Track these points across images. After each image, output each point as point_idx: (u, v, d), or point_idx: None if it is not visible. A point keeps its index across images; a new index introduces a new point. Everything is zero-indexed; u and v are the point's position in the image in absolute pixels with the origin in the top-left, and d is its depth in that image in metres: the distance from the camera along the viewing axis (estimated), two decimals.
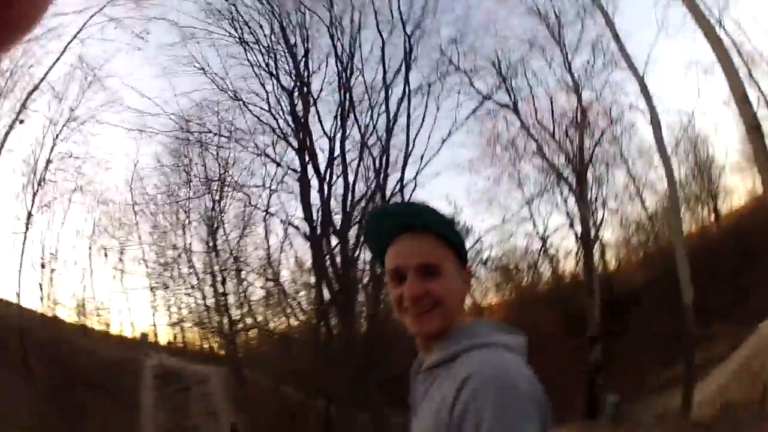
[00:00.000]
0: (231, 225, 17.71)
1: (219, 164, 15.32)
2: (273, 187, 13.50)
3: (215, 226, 16.53)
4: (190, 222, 17.83)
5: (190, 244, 18.17)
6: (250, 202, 14.44)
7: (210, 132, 13.69)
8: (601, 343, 13.02)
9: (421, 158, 12.30)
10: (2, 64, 14.98)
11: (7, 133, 15.55)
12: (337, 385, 11.65)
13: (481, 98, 13.08)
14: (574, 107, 14.03)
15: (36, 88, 16.49)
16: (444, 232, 0.97)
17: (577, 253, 16.31)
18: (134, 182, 25.50)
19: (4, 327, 16.40)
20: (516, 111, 14.10)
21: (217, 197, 15.95)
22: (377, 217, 1.07)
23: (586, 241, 14.32)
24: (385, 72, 12.56)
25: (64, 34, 15.87)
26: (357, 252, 12.17)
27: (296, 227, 12.54)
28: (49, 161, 17.31)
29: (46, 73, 16.39)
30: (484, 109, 13.95)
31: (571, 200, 14.82)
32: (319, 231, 11.74)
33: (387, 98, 12.41)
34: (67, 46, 16.18)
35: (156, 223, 18.55)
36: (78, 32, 15.81)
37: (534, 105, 14.23)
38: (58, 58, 16.31)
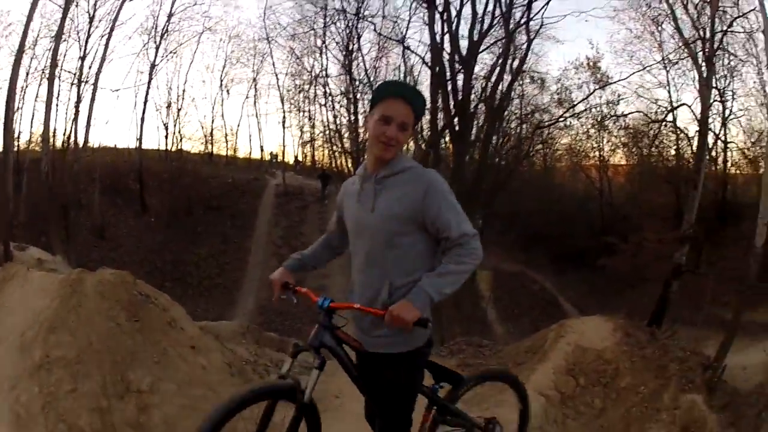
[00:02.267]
0: (365, 49, 19.39)
1: None
2: (401, 17, 14.34)
3: (351, 49, 17.41)
4: (326, 47, 18.90)
5: (326, 68, 19.53)
6: (378, 31, 15.55)
7: None
8: (688, 246, 11.85)
9: None
10: None
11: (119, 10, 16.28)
12: None
13: None
14: None
15: None
16: (417, 107, 1.58)
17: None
18: (267, 16, 28.49)
19: (125, 172, 18.76)
20: None
21: (353, 23, 16.63)
22: (390, 82, 1.89)
23: (703, 128, 13.00)
24: None
25: None
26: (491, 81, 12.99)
27: (421, 57, 13.51)
28: (170, 15, 18.23)
29: None
30: None
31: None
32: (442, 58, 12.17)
33: None
34: None
35: (291, 49, 19.96)
36: None
37: None
38: None
